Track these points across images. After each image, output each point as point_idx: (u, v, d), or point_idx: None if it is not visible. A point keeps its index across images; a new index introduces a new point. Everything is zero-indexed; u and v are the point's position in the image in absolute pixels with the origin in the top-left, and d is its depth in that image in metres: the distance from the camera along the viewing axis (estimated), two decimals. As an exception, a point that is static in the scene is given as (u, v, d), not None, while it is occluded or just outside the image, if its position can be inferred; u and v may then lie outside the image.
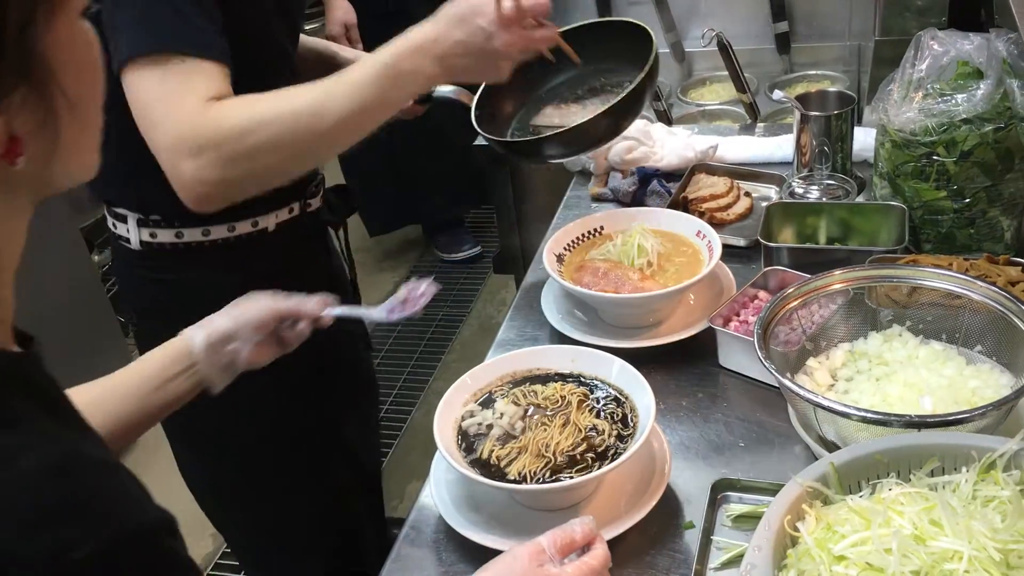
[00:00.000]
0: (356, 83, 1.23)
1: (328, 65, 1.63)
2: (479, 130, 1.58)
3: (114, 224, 1.50)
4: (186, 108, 1.18)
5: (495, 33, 1.26)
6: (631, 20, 1.56)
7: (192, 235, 1.44)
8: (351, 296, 1.81)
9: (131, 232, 1.46)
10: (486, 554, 1.12)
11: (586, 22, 1.61)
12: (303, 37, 1.63)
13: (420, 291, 1.24)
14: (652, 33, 1.49)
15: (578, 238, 1.60)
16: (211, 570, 2.61)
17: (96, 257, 3.12)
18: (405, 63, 1.25)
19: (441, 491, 1.21)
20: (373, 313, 1.26)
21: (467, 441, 1.19)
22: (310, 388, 1.66)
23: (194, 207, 1.21)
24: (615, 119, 1.47)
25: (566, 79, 1.65)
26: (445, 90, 1.66)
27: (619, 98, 1.44)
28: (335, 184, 1.70)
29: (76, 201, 3.08)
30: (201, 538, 2.71)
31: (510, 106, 1.67)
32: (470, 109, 1.60)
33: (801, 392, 1.12)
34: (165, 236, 1.44)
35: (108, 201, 1.50)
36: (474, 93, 1.63)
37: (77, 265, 2.92)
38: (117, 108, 1.13)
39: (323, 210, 1.62)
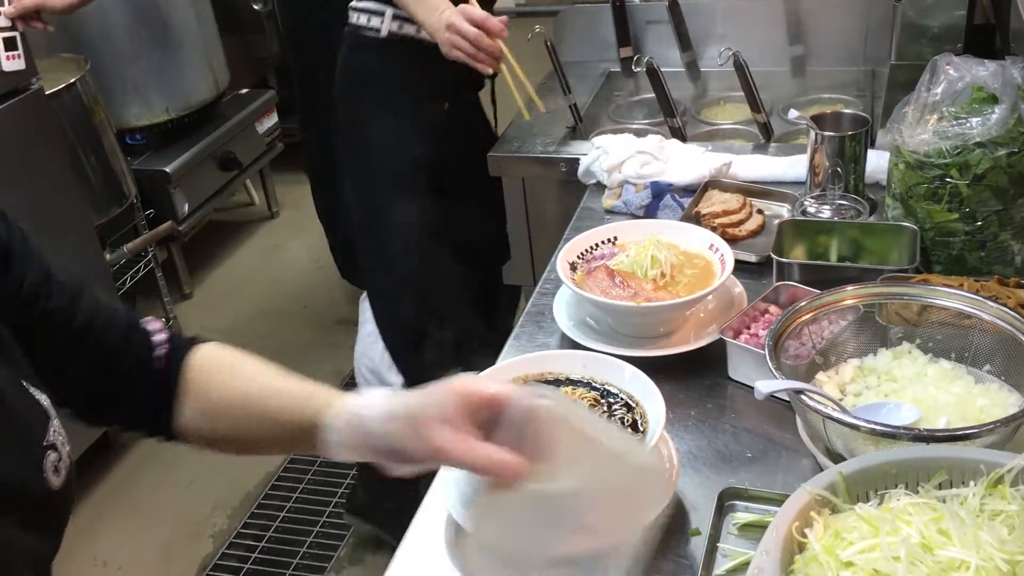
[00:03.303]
0: None
1: None
2: None
3: (368, 18, 2.13)
4: None
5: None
6: None
7: (424, 32, 2.05)
8: None
9: (384, 23, 2.10)
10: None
11: None
12: None
13: None
14: None
15: (592, 247, 1.61)
16: (210, 570, 2.62)
17: (108, 256, 3.13)
18: None
19: (450, 491, 1.21)
20: None
21: (478, 441, 1.20)
22: None
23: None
24: None
25: None
26: None
27: None
28: None
29: (95, 199, 3.11)
30: (200, 539, 2.72)
31: None
32: None
33: (812, 404, 1.13)
34: (409, 28, 2.10)
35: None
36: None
37: (90, 264, 2.93)
38: None
39: None
